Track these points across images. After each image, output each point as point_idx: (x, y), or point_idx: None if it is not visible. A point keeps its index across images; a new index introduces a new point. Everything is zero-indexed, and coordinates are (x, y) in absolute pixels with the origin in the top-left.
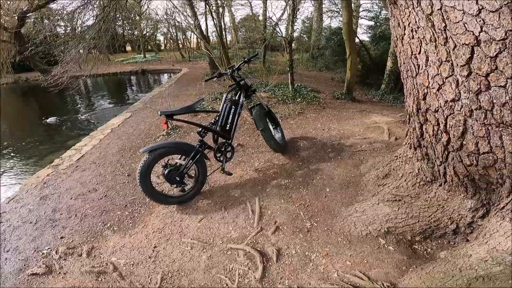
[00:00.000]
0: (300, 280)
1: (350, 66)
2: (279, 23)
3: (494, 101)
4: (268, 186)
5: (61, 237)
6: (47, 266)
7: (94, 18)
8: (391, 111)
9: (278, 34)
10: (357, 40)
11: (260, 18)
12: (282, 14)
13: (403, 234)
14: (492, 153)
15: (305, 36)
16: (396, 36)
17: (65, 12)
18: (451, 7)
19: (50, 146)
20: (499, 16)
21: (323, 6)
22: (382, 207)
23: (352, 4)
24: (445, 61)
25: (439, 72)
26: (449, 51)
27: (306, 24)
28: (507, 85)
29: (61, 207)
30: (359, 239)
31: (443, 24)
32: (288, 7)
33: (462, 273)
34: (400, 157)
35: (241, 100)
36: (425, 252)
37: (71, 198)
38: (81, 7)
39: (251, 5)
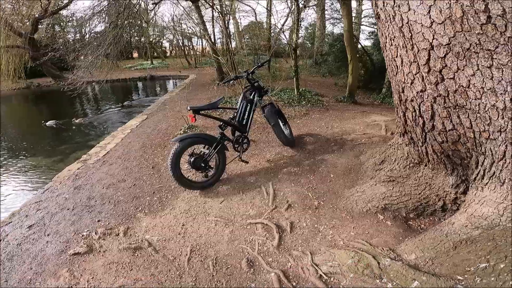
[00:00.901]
0: (311, 247)
1: (352, 71)
2: (283, 29)
3: (448, 89)
4: (279, 173)
5: (98, 220)
6: (88, 246)
7: (108, 25)
8: (390, 111)
9: (283, 40)
10: (359, 46)
11: (265, 26)
12: (286, 21)
13: (399, 211)
14: (456, 130)
15: (308, 42)
16: (382, 44)
17: (74, 18)
18: (414, 21)
19: (65, 147)
20: (444, 27)
21: (326, 13)
22: (379, 187)
23: (355, 11)
24: (413, 62)
25: (410, 70)
26: (415, 54)
27: (309, 31)
28: (455, 77)
29: (95, 195)
30: (361, 214)
31: (410, 34)
32: (292, 15)
33: (448, 238)
34: (393, 145)
35: (255, 99)
36: (419, 227)
37: (103, 188)
38: (97, 14)
39: (255, 13)
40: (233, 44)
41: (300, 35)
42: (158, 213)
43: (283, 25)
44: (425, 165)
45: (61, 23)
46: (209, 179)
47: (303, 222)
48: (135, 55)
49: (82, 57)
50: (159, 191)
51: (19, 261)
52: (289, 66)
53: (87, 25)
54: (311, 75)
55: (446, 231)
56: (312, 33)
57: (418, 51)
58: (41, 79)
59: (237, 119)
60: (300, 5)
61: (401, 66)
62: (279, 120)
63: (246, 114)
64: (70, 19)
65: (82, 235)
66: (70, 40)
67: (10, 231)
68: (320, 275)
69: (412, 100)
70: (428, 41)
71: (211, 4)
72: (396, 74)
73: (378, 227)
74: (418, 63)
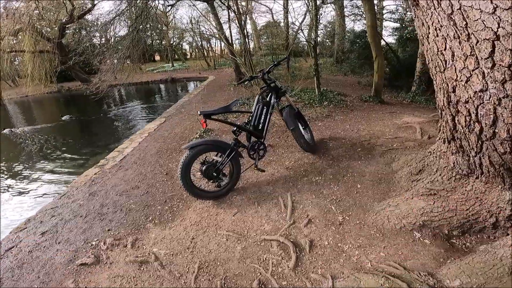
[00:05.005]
0: (333, 270)
1: (377, 68)
2: (301, 28)
3: None
4: (299, 182)
5: (108, 230)
6: (95, 257)
7: (128, 28)
8: (423, 112)
9: (302, 38)
10: (383, 42)
11: (282, 24)
12: (304, 19)
13: (440, 228)
14: None
15: (328, 40)
16: (422, 35)
17: (99, 23)
18: (469, 6)
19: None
20: None
21: (345, 10)
22: (416, 201)
23: (376, 7)
24: (470, 55)
25: (466, 65)
26: (473, 46)
27: (328, 29)
28: None
29: (108, 202)
30: (393, 232)
31: (464, 22)
32: (309, 12)
33: (503, 262)
34: (434, 153)
35: (272, 101)
36: (463, 246)
37: (117, 194)
38: (116, 18)
39: (272, 13)
40: (251, 45)
41: (319, 32)
42: (168, 224)
43: (301, 23)
44: (477, 178)
45: (87, 28)
46: (222, 189)
47: (324, 240)
48: (157, 58)
49: (107, 61)
50: (170, 200)
51: (28, 269)
52: (309, 65)
53: (110, 28)
54: (332, 73)
55: (501, 254)
56: (332, 30)
57: (477, 42)
58: (71, 83)
59: (252, 123)
60: (318, 2)
61: (452, 61)
62: (299, 123)
63: (262, 118)
64: (95, 23)
65: (91, 245)
66: (96, 44)
67: (24, 237)
68: None
69: (466, 102)
70: (492, 29)
71: (226, 5)
72: (444, 70)
73: (414, 246)
74: (476, 57)
